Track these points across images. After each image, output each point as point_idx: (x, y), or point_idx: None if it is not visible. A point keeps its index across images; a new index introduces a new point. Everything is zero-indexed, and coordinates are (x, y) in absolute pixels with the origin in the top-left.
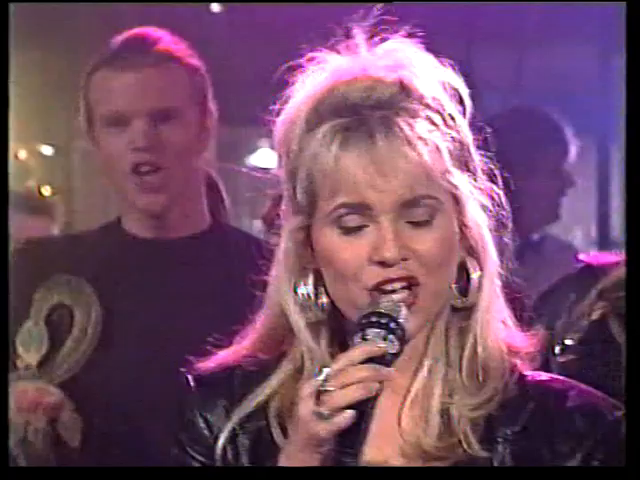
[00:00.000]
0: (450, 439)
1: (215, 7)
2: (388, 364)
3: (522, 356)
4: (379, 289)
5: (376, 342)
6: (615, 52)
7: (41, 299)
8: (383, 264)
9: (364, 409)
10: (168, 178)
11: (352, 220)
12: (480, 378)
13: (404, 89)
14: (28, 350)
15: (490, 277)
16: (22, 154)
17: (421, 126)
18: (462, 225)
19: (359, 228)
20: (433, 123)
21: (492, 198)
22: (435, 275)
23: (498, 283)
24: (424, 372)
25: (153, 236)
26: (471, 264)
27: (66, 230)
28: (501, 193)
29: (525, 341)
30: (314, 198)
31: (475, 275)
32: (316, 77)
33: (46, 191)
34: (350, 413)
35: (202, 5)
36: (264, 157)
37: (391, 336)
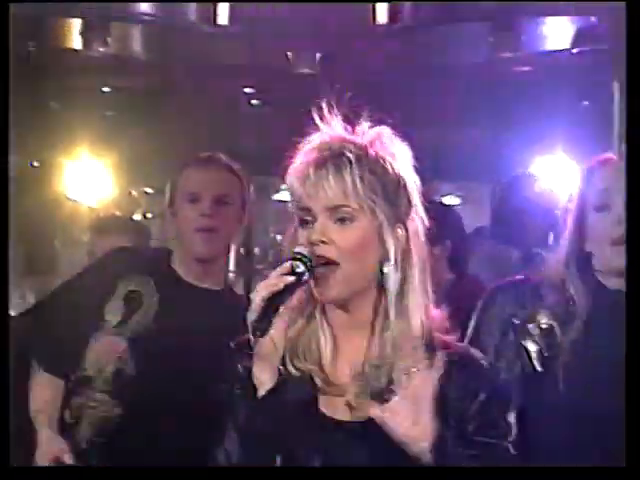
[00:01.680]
0: (385, 370)
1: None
2: (298, 278)
3: (437, 327)
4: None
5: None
6: None
7: (123, 285)
8: (312, 244)
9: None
10: (219, 237)
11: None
12: (404, 337)
13: (358, 148)
14: (111, 315)
15: (400, 269)
16: (134, 192)
17: (352, 171)
18: (380, 233)
19: (307, 222)
20: (371, 172)
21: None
22: (349, 260)
23: (412, 275)
24: (376, 327)
25: (191, 280)
26: (385, 260)
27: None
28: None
29: (439, 318)
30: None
31: (385, 268)
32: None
33: (147, 216)
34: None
35: None
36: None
37: (299, 263)
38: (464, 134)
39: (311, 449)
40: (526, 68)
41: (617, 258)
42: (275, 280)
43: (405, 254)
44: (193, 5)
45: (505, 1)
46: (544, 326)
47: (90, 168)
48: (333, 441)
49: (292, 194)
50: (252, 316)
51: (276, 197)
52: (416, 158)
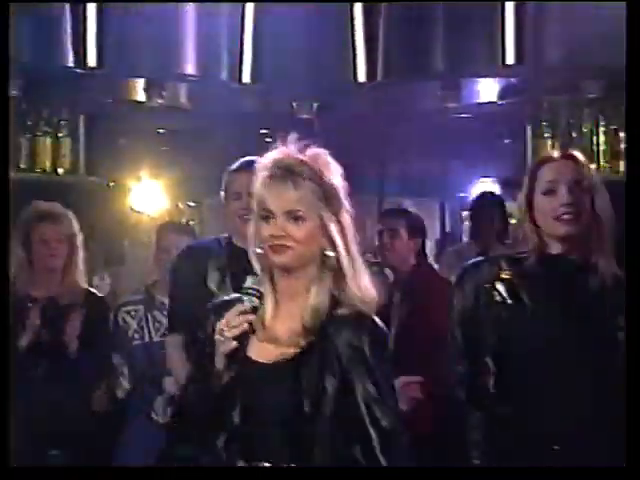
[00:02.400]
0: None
1: None
2: (254, 311)
3: (363, 300)
4: (271, 246)
5: (245, 301)
6: None
7: (211, 263)
8: (273, 237)
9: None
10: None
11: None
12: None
13: (308, 167)
14: (213, 284)
15: (339, 255)
16: (181, 206)
17: (305, 185)
18: (324, 227)
19: (268, 220)
20: (316, 184)
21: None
22: (301, 246)
23: (347, 257)
24: (312, 292)
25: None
26: (327, 248)
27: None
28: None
29: (367, 289)
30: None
31: (327, 252)
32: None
33: (191, 223)
34: (233, 342)
35: None
36: None
37: (252, 298)
38: (421, 163)
39: (242, 382)
40: (465, 115)
41: (558, 229)
42: (239, 320)
43: (342, 241)
44: (225, 68)
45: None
46: (506, 276)
47: (149, 187)
48: (257, 377)
49: (257, 199)
50: (226, 349)
51: None
52: (385, 179)
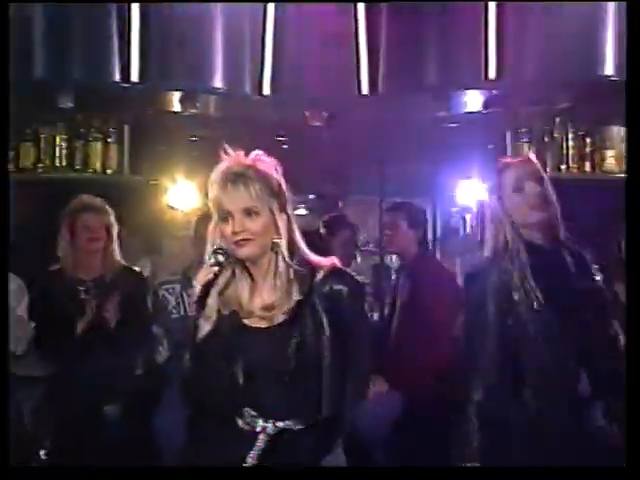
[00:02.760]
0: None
1: None
2: (218, 265)
3: (319, 261)
4: (235, 242)
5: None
6: None
7: None
8: (234, 233)
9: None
10: None
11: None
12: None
13: (253, 169)
14: None
15: (285, 241)
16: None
17: (254, 185)
18: (274, 219)
19: (227, 219)
20: (263, 182)
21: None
22: (259, 238)
23: (292, 242)
24: (276, 268)
25: None
26: (275, 236)
27: None
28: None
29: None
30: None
31: (276, 240)
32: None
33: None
34: (198, 288)
35: None
36: None
37: (218, 255)
38: (416, 166)
39: (238, 345)
40: (454, 124)
41: (529, 217)
42: (206, 272)
43: (288, 229)
44: (248, 82)
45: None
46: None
47: (183, 187)
48: (252, 338)
49: (216, 204)
50: (194, 298)
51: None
52: (385, 180)
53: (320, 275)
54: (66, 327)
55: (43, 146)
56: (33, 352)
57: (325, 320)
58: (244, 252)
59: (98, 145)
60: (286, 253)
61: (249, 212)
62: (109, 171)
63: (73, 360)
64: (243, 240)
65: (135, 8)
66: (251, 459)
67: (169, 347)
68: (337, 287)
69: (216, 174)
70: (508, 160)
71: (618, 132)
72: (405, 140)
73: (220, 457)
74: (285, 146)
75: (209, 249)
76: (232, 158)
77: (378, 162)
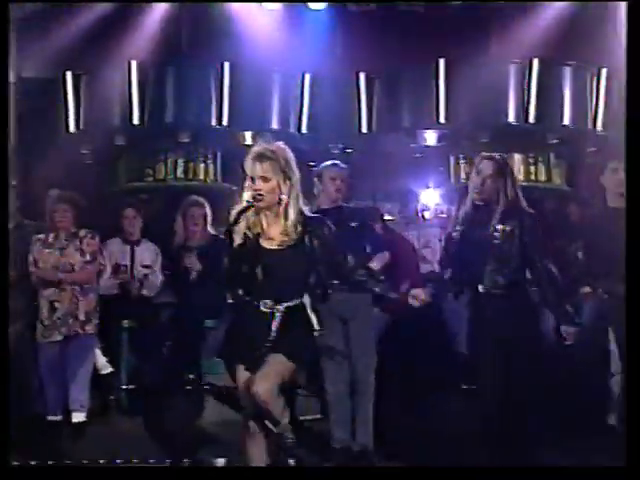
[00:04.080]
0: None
1: None
2: (247, 204)
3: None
4: (254, 197)
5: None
6: None
7: None
8: (255, 190)
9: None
10: None
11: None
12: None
13: (270, 151)
14: None
15: (288, 199)
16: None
17: (268, 161)
18: (279, 185)
19: (252, 180)
20: (274, 160)
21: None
22: (269, 195)
23: (293, 200)
24: (284, 214)
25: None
26: (284, 196)
27: None
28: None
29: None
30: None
31: (283, 197)
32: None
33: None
34: (233, 214)
35: None
36: None
37: (247, 202)
38: (395, 181)
39: (257, 255)
40: (419, 154)
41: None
42: (239, 207)
43: (290, 192)
44: (293, 124)
45: (507, 1)
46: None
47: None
48: (267, 253)
49: (247, 170)
50: (231, 219)
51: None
52: (375, 191)
53: (310, 220)
54: (182, 273)
55: (170, 166)
56: (162, 291)
57: (316, 242)
58: (259, 204)
59: (202, 165)
60: (290, 207)
61: (264, 179)
62: (208, 181)
63: (188, 291)
64: (259, 195)
65: (226, 70)
66: (275, 327)
67: None
68: (319, 225)
69: (249, 153)
70: (483, 155)
71: (519, 159)
72: (389, 164)
73: (251, 330)
74: (312, 164)
75: (243, 197)
76: (261, 144)
77: (371, 179)
